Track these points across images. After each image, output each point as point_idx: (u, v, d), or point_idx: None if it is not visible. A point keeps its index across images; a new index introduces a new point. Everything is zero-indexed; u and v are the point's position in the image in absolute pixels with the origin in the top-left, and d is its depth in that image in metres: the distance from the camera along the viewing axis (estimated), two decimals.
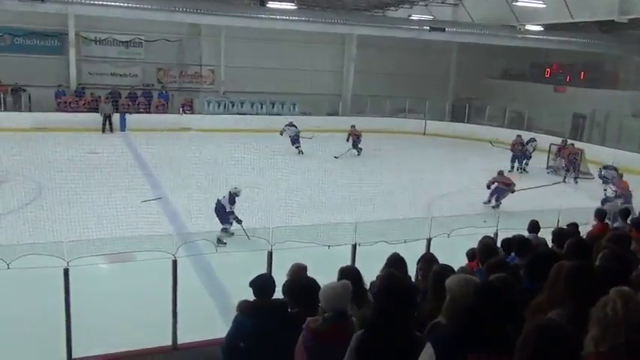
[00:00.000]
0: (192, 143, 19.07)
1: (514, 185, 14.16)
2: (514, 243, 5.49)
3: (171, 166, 16.04)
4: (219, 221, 10.45)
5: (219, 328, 6.10)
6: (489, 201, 14.21)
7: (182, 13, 21.56)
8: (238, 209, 10.59)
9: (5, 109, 21.65)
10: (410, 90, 26.53)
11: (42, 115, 21.21)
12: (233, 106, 25.24)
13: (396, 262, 4.67)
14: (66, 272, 5.27)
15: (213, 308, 7.49)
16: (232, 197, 10.51)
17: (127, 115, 22.66)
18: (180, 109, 24.13)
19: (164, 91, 24.74)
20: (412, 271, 4.86)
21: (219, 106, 25.10)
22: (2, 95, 22.01)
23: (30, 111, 21.95)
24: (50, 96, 22.58)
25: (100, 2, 20.07)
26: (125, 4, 20.35)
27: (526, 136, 20.45)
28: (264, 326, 3.90)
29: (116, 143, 19.39)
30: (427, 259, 4.80)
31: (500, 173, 14.54)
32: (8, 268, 5.05)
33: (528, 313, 3.17)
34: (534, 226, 6.94)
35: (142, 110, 23.63)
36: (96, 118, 22.08)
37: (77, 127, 20.96)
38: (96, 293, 7.25)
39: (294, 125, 20.04)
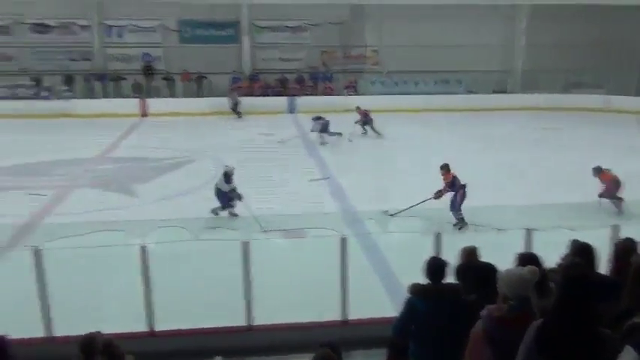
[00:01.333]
0: (358, 124, 19.34)
1: None
2: None
3: (338, 146, 16.47)
4: (220, 205, 10.05)
5: (387, 307, 6.16)
6: None
7: None
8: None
9: (190, 96, 23.81)
10: (587, 62, 24.17)
11: (220, 100, 22.93)
12: (397, 85, 25.14)
13: (582, 251, 4.25)
14: (245, 245, 5.62)
15: (379, 287, 7.54)
16: (228, 177, 10.18)
17: (297, 98, 23.68)
18: (345, 91, 24.61)
19: (329, 74, 25.39)
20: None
21: (382, 85, 25.17)
22: (187, 83, 24.41)
23: (210, 96, 23.90)
24: (227, 82, 24.38)
25: None
26: None
27: None
28: (437, 310, 3.82)
29: (286, 125, 20.39)
30: (625, 249, 4.26)
31: None
32: (196, 240, 5.51)
33: None
34: None
35: (308, 93, 24.52)
36: (269, 101, 23.31)
37: (251, 110, 22.40)
38: (271, 266, 7.67)
39: (321, 118, 18.09)
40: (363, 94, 24.60)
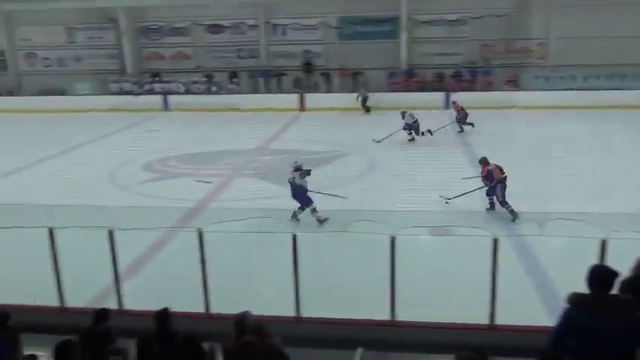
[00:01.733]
0: (517, 121, 18.37)
1: None
2: None
3: (494, 144, 15.77)
4: (300, 206, 9.75)
5: (540, 316, 5.79)
6: None
7: None
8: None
9: (346, 91, 24.28)
10: None
11: (375, 95, 23.08)
12: (563, 80, 23.36)
13: None
14: (392, 240, 5.61)
15: (532, 294, 7.11)
16: (304, 173, 9.90)
17: (452, 94, 23.07)
18: (505, 86, 23.44)
19: (488, 68, 24.34)
20: None
21: (547, 81, 23.56)
22: (344, 78, 24.97)
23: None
24: (383, 78, 24.49)
25: None
26: None
27: None
28: (605, 325, 3.46)
29: (438, 121, 19.98)
30: None
31: None
32: (344, 232, 5.62)
33: None
34: None
35: (465, 88, 23.74)
36: (425, 96, 22.95)
37: (406, 105, 22.24)
38: (417, 263, 7.59)
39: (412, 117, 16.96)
40: (525, 90, 23.24)
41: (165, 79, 25.93)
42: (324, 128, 18.44)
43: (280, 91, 25.44)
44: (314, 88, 25.10)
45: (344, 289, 7.30)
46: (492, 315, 5.66)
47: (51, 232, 6.17)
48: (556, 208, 9.42)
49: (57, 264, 6.27)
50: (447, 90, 23.33)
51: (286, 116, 22.07)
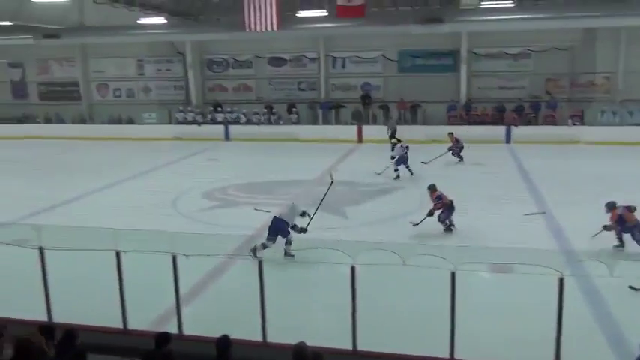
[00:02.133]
0: (581, 156, 17.81)
1: None
2: None
3: (557, 180, 15.35)
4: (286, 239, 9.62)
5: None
6: None
7: (577, 18, 20.46)
8: None
9: (404, 124, 24.25)
10: None
11: (434, 128, 22.96)
12: (631, 115, 22.54)
13: None
14: (453, 275, 5.52)
15: (600, 339, 6.78)
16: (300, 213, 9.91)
17: (513, 128, 22.66)
18: (569, 121, 22.81)
19: (553, 102, 23.79)
20: None
21: (614, 116, 22.80)
22: (403, 112, 24.98)
23: (424, 124, 24.09)
24: (442, 111, 24.35)
25: (494, 17, 20.65)
26: (518, 16, 20.48)
27: None
28: None
29: (501, 155, 19.62)
30: None
31: None
32: (404, 264, 5.56)
33: None
34: None
35: (527, 122, 23.25)
36: (485, 130, 22.60)
37: (467, 139, 21.97)
38: (476, 299, 7.40)
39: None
40: (590, 125, 22.55)
41: (227, 109, 26.74)
42: (381, 160, 18.42)
43: (339, 122, 25.71)
44: (372, 121, 25.23)
45: (401, 323, 7.20)
46: (557, 358, 5.44)
47: (117, 255, 6.41)
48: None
49: (122, 286, 6.49)
50: (508, 124, 22.93)
51: (344, 148, 22.22)
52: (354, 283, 5.77)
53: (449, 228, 10.97)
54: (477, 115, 24.04)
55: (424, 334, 6.49)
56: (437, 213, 10.94)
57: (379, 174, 16.73)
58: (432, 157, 17.48)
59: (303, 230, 9.67)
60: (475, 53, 24.70)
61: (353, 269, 5.77)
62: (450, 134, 19.10)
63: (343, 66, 26.58)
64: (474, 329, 6.52)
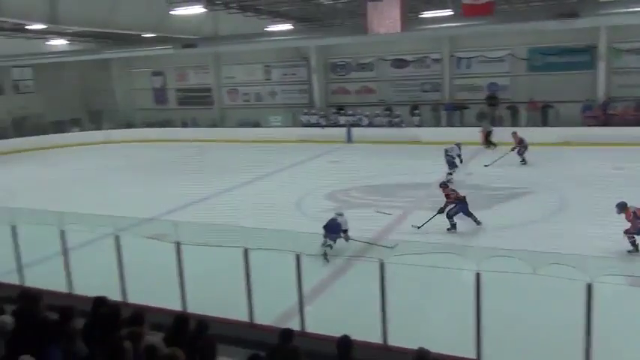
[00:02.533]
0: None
1: None
2: None
3: None
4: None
5: None
6: None
7: None
8: None
9: (534, 125, 22.96)
10: None
11: (567, 129, 21.53)
12: None
13: None
14: (589, 288, 5.14)
15: None
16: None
17: None
18: None
19: None
20: None
21: None
22: (531, 113, 23.73)
23: (556, 126, 22.66)
24: (576, 111, 22.76)
25: (637, 9, 18.92)
26: None
27: None
28: None
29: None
30: None
31: None
32: (534, 273, 5.28)
33: None
34: None
35: None
36: (625, 131, 20.82)
37: (602, 141, 20.41)
38: (614, 314, 6.84)
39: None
40: None
41: (350, 112, 27.03)
42: (506, 163, 17.64)
43: (463, 124, 24.98)
44: (499, 122, 24.19)
45: (529, 335, 6.83)
46: None
47: (246, 252, 6.71)
48: None
49: (249, 281, 6.79)
50: None
51: (469, 150, 21.51)
52: (479, 290, 5.57)
53: (454, 226, 11.27)
54: (617, 115, 22.17)
55: (553, 348, 6.10)
56: (449, 207, 11.25)
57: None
58: (494, 159, 17.73)
59: (348, 239, 10.30)
60: (616, 48, 22.81)
61: (478, 276, 5.57)
62: (514, 133, 18.70)
63: (468, 66, 25.76)
64: (614, 346, 6.03)
